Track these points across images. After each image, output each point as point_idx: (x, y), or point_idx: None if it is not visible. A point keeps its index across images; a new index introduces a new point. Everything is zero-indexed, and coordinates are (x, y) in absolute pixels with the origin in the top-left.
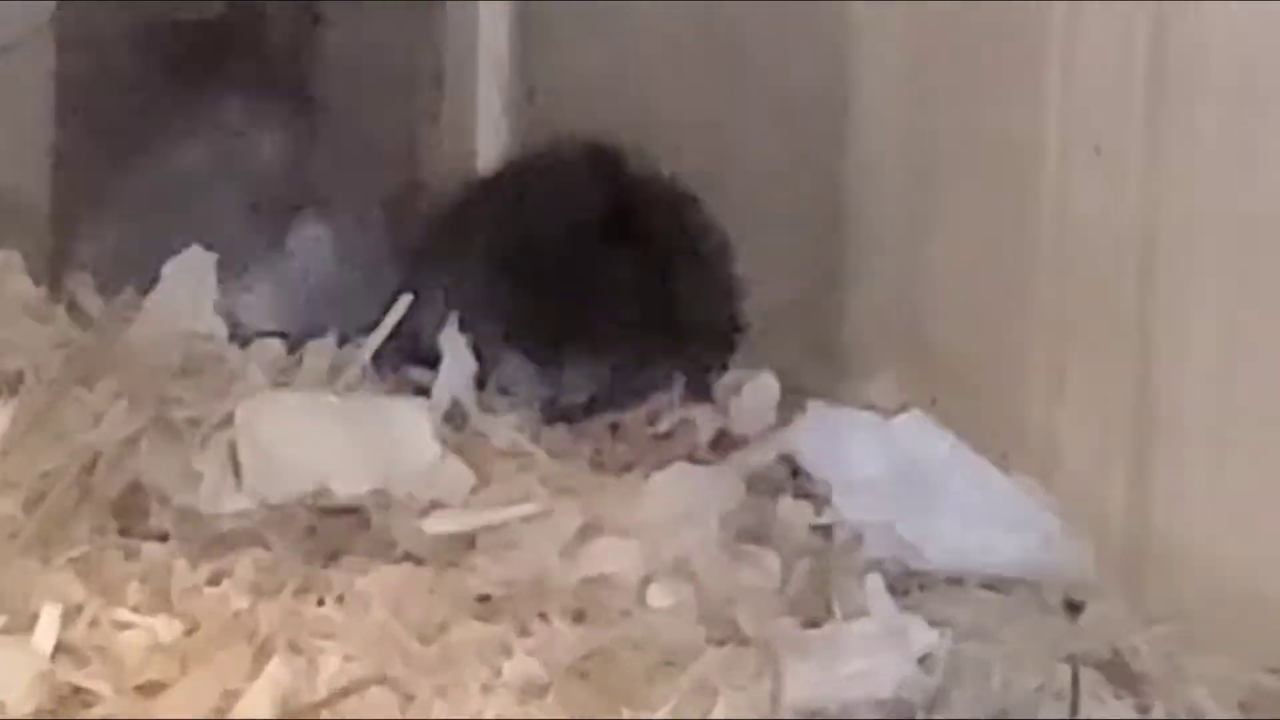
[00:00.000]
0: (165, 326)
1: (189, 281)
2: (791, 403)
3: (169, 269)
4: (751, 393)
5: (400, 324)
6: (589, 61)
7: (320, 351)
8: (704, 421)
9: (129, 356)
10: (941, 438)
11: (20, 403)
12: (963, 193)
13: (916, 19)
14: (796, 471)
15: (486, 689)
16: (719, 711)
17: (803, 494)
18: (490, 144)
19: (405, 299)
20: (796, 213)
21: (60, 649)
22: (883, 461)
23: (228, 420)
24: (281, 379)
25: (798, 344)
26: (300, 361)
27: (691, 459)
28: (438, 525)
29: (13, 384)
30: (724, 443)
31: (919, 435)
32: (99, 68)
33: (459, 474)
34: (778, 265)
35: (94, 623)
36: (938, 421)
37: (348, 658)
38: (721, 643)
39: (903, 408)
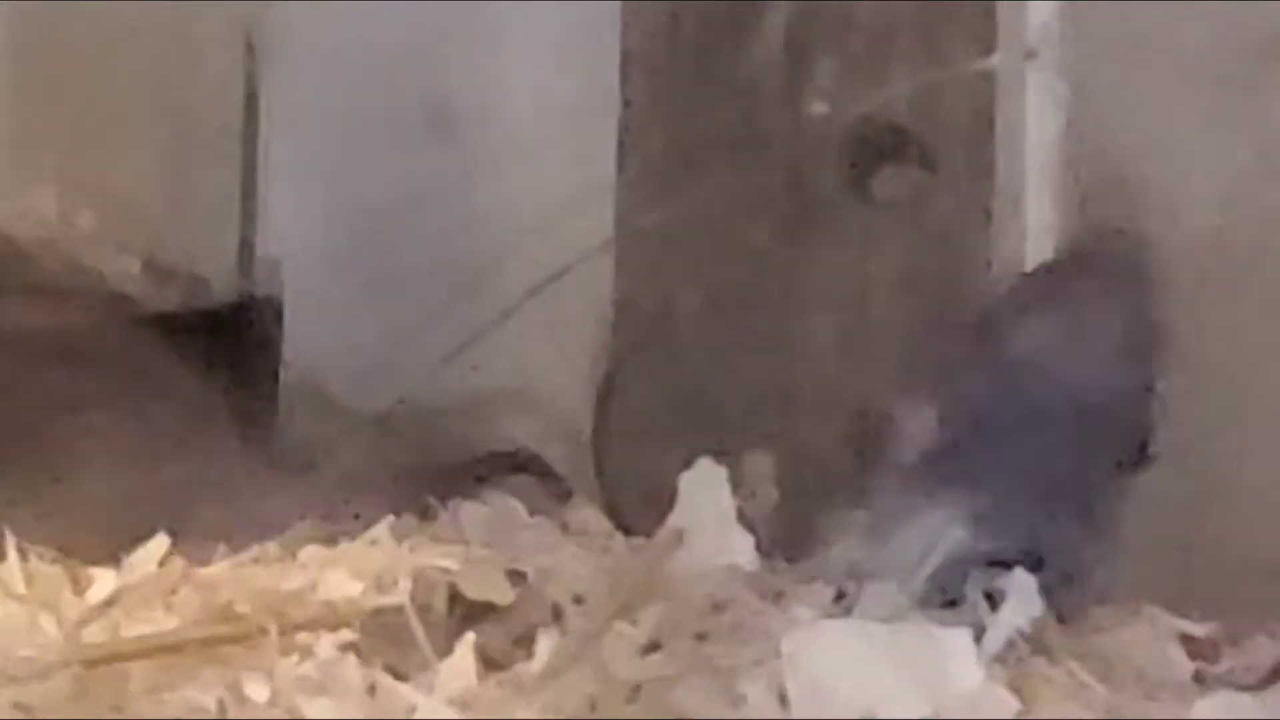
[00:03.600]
0: (700, 552)
1: (705, 496)
2: None
3: (684, 483)
4: None
5: None
6: None
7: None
8: (1261, 649)
9: (670, 585)
10: None
11: (566, 630)
12: None
13: None
14: None
15: None
16: None
17: None
18: None
19: (957, 534)
20: None
21: None
22: None
23: (775, 649)
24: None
25: None
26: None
27: (1243, 686)
28: None
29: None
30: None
31: None
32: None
33: (1002, 701)
34: None
35: None
36: None
37: None
38: None
39: None
